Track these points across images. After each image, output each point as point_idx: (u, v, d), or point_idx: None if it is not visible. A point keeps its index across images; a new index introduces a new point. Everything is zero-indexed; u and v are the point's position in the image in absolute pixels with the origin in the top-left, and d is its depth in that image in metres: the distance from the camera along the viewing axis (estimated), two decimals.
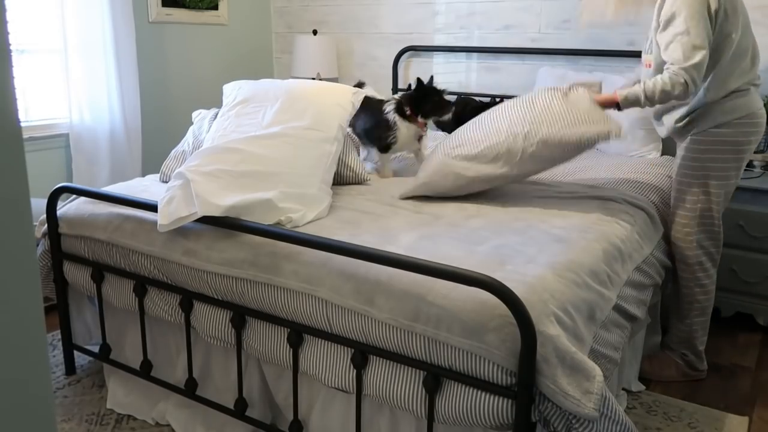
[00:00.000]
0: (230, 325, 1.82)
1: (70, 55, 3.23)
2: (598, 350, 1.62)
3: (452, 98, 3.70)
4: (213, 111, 2.60)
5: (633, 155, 3.05)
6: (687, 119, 2.20)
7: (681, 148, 2.29)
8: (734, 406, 2.26)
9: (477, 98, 3.75)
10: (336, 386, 1.65)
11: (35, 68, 3.22)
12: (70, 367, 2.39)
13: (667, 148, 3.19)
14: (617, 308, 1.79)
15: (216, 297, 1.86)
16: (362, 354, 1.59)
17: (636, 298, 1.95)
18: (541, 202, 2.21)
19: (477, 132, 2.20)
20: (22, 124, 3.11)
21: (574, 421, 1.38)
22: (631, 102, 2.10)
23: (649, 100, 2.06)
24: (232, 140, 2.11)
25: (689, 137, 2.22)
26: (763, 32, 2.99)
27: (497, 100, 3.70)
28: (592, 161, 2.89)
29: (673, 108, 2.22)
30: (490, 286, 1.36)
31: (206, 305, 1.88)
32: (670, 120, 2.26)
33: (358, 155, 2.48)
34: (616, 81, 2.95)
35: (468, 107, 3.60)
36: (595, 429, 1.38)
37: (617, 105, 2.13)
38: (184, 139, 2.59)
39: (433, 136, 3.53)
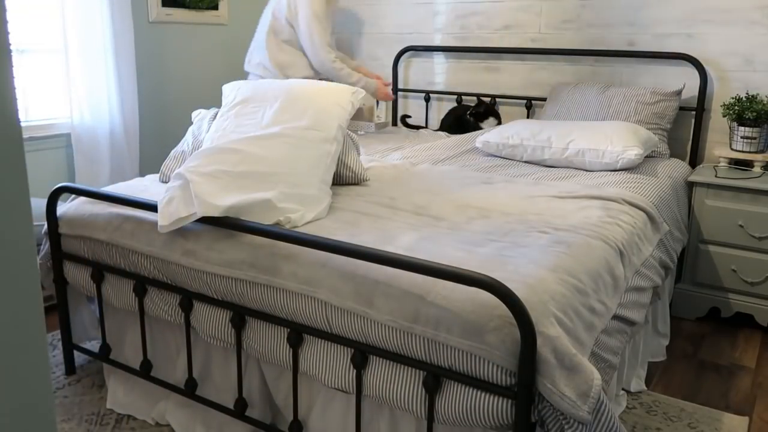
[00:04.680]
0: (230, 325, 1.82)
1: (70, 55, 3.23)
2: (598, 354, 1.62)
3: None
4: (212, 111, 2.60)
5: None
6: None
7: None
8: (734, 406, 2.27)
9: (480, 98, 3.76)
10: (336, 386, 1.65)
11: (36, 68, 3.22)
12: (70, 367, 2.39)
13: (674, 150, 3.20)
14: (618, 317, 1.79)
15: (216, 297, 1.86)
16: (362, 354, 1.59)
17: (636, 303, 1.95)
18: (542, 204, 2.21)
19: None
20: (24, 124, 3.13)
21: (565, 424, 1.37)
22: None
23: None
24: (231, 140, 2.11)
25: None
26: (762, 32, 2.99)
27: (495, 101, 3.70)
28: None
29: None
30: (490, 287, 1.36)
31: (206, 305, 1.88)
32: None
33: (358, 155, 2.47)
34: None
35: (465, 113, 3.61)
36: None
37: None
38: (184, 139, 2.59)
39: (434, 136, 3.53)
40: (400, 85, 4.04)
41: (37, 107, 3.26)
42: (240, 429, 1.96)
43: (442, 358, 1.48)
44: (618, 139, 2.70)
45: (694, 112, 3.16)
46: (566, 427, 1.37)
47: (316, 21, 3.26)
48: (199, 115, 2.63)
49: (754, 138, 2.90)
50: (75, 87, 3.27)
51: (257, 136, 2.12)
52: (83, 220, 2.14)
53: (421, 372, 1.52)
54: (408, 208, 2.12)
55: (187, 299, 1.90)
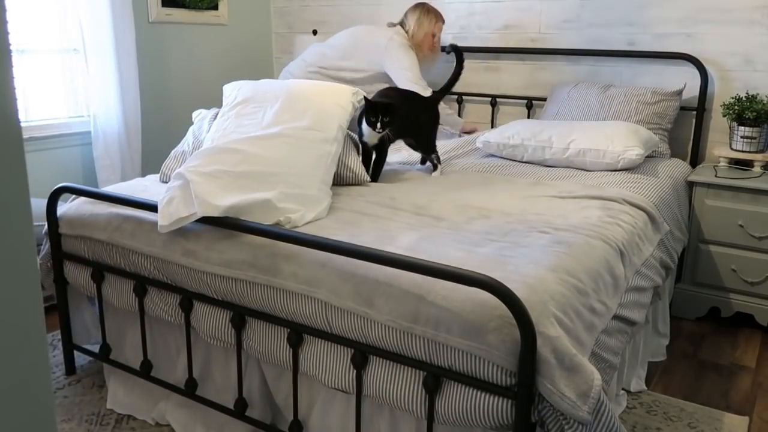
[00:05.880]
0: (230, 325, 1.82)
1: (71, 55, 3.23)
2: (599, 354, 1.62)
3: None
4: (213, 111, 2.60)
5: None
6: None
7: None
8: (734, 406, 2.26)
9: (479, 97, 3.75)
10: (336, 387, 1.65)
11: (42, 68, 3.22)
12: (70, 367, 2.39)
13: (675, 150, 3.19)
14: (618, 317, 1.79)
15: (216, 297, 1.86)
16: (362, 354, 1.59)
17: (636, 303, 1.95)
18: (543, 204, 2.21)
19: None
20: (34, 124, 3.14)
21: (565, 424, 1.37)
22: None
23: None
24: (231, 140, 2.11)
25: None
26: (762, 32, 2.99)
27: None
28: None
29: None
30: (490, 287, 1.36)
31: (206, 305, 1.88)
32: None
33: (358, 156, 2.47)
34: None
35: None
36: None
37: None
38: (184, 139, 2.59)
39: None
40: None
41: (40, 108, 3.26)
42: (240, 429, 1.96)
43: (442, 359, 1.48)
44: (619, 139, 2.70)
45: (694, 112, 3.16)
46: (566, 427, 1.37)
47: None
48: (200, 115, 2.63)
49: (754, 138, 2.90)
50: (78, 87, 3.27)
51: (258, 136, 2.12)
52: (83, 220, 2.14)
53: (421, 372, 1.51)
54: (408, 208, 2.12)
55: (187, 299, 1.90)
